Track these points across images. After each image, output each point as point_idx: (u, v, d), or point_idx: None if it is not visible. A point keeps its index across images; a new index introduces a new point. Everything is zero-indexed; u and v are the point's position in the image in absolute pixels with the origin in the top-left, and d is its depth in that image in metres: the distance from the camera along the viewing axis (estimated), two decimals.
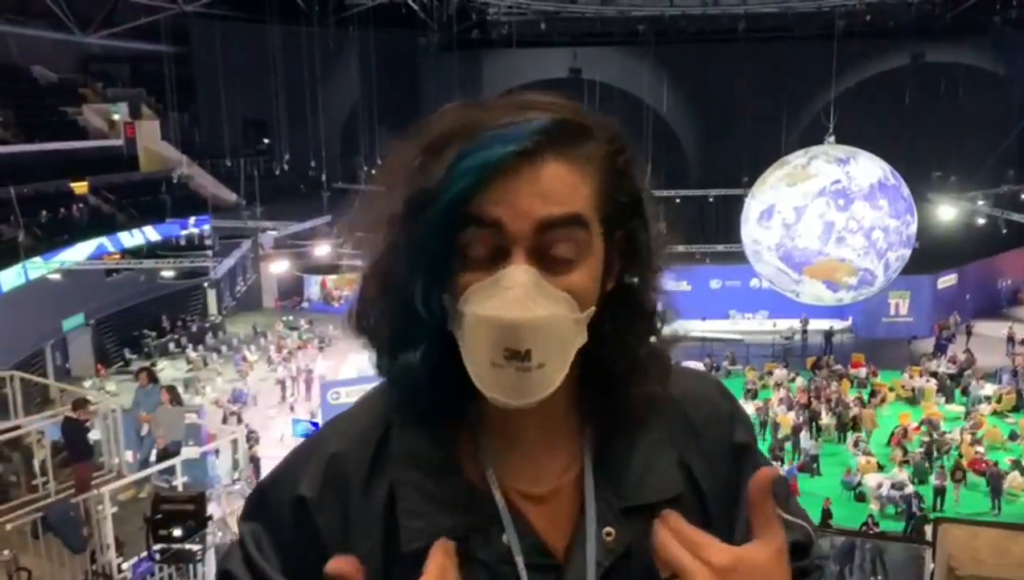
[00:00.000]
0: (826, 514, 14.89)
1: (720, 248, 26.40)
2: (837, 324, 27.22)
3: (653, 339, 0.95)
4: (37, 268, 21.99)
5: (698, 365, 23.58)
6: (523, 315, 0.80)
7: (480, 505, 0.91)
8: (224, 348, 27.29)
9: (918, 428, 19.60)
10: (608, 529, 0.92)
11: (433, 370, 0.89)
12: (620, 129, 0.90)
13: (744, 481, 0.96)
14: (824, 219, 13.10)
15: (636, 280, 0.92)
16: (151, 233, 26.92)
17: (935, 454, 18.42)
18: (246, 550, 0.96)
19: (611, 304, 0.90)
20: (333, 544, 0.92)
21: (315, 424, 17.91)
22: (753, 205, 14.49)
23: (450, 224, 0.82)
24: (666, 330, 0.96)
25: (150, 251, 26.05)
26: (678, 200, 30.28)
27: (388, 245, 0.88)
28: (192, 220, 27.69)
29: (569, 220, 0.83)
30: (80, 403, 9.96)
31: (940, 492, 16.62)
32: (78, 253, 23.83)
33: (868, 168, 13.69)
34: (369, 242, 0.92)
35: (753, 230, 14.33)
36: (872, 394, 21.87)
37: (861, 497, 17.03)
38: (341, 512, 0.93)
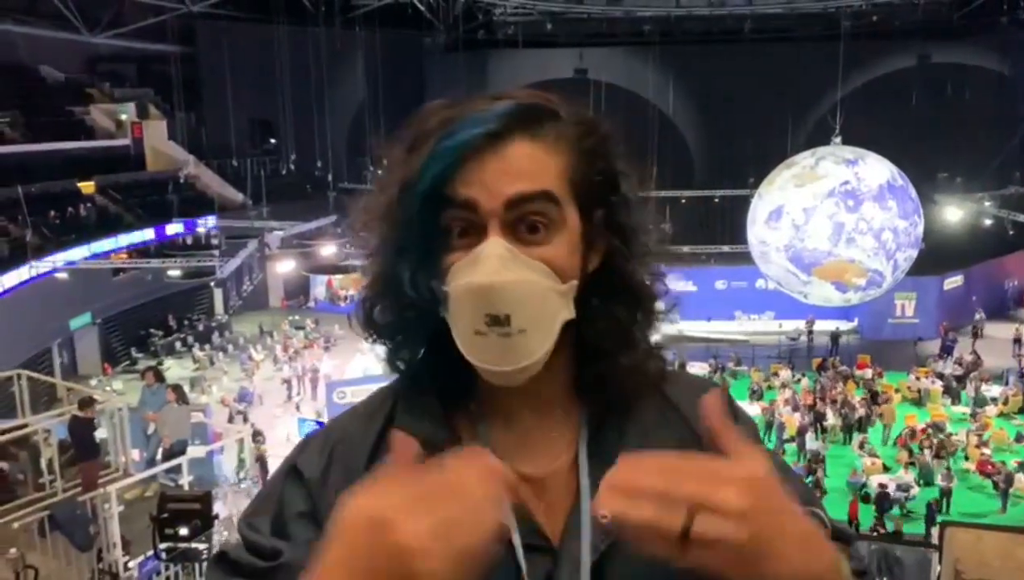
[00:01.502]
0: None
1: (726, 249, 26.35)
2: (843, 325, 27.15)
3: (641, 316, 0.97)
4: (44, 267, 22.06)
5: (703, 366, 23.78)
6: (496, 278, 0.85)
7: None
8: (230, 347, 27.34)
9: (925, 430, 19.55)
10: (603, 512, 0.91)
11: (436, 360, 0.94)
12: (591, 114, 0.95)
13: None
14: (834, 220, 13.07)
15: (622, 258, 0.95)
16: (158, 232, 27.00)
17: (933, 453, 18.37)
18: (242, 533, 0.97)
19: (599, 282, 0.94)
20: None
21: (320, 423, 17.91)
22: (760, 206, 14.46)
23: (430, 208, 0.87)
24: (665, 324, 1.00)
25: (157, 250, 26.13)
26: (683, 200, 30.24)
27: (381, 240, 0.94)
28: (198, 220, 27.74)
29: (538, 196, 0.87)
30: (87, 402, 9.98)
31: (946, 494, 16.57)
32: (85, 252, 23.91)
33: (876, 169, 13.68)
34: (366, 241, 0.97)
35: (761, 231, 14.30)
36: (873, 395, 21.79)
37: (867, 498, 16.99)
38: (341, 492, 0.93)
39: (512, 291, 0.85)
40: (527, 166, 0.87)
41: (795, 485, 1.02)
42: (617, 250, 0.94)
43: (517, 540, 0.89)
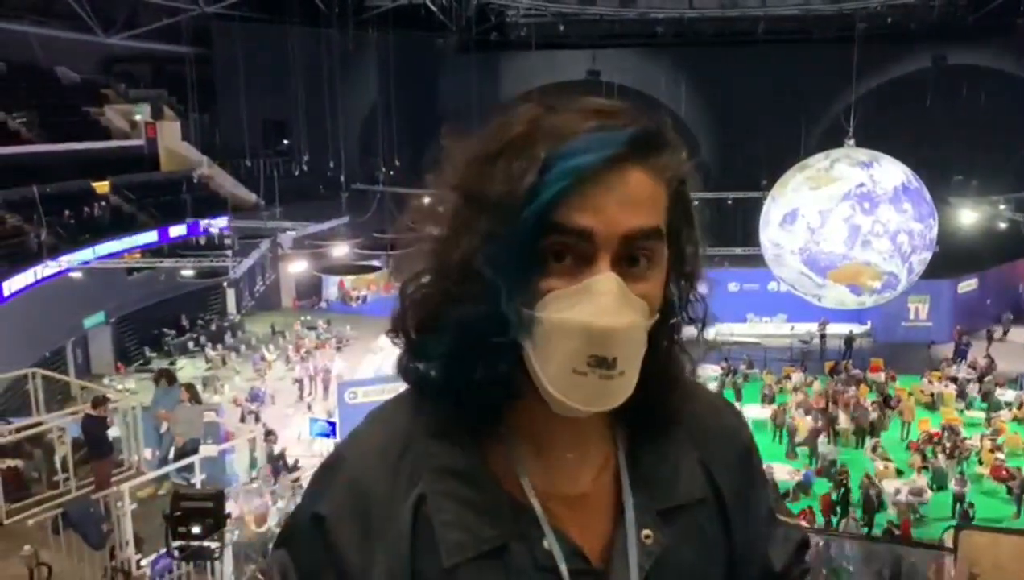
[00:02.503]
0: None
1: (738, 251, 26.27)
2: (856, 328, 27.02)
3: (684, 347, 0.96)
4: (59, 266, 22.19)
5: (715, 368, 23.69)
6: (615, 322, 0.80)
7: (518, 512, 0.89)
8: (243, 347, 27.41)
9: (940, 433, 19.42)
10: (647, 532, 0.91)
11: (459, 378, 0.87)
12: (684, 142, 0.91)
13: (751, 484, 1.04)
14: (849, 223, 12.99)
15: (680, 289, 0.93)
16: (171, 232, 27.11)
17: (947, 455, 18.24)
18: None
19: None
20: (351, 561, 0.90)
21: (331, 423, 17.93)
22: (774, 208, 14.39)
23: (539, 229, 0.81)
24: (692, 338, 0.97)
25: (170, 250, 26.23)
26: (696, 202, 30.06)
27: (464, 249, 0.85)
28: (201, 221, 27.78)
29: (652, 232, 0.84)
30: (100, 400, 10.03)
31: (959, 499, 16.45)
32: (99, 252, 24.04)
33: (891, 171, 13.59)
34: (428, 243, 0.89)
35: (774, 233, 14.23)
36: (886, 399, 21.66)
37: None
38: (361, 528, 0.90)
39: (624, 335, 0.81)
40: (644, 198, 0.83)
41: (768, 494, 1.07)
42: (680, 283, 0.93)
43: (564, 569, 0.87)
